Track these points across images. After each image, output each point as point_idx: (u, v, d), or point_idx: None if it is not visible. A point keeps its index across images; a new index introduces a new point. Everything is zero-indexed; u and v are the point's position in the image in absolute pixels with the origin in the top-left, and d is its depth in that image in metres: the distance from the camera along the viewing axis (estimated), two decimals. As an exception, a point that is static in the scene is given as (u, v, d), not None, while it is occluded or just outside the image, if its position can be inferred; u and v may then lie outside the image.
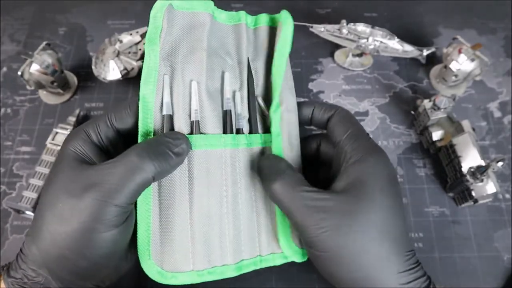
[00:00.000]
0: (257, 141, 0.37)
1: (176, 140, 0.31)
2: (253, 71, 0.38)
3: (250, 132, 0.37)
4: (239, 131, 0.36)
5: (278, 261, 0.36)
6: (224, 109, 0.36)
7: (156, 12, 0.34)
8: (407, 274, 0.30)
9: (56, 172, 0.30)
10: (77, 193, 0.28)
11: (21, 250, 0.30)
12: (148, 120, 0.33)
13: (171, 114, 0.34)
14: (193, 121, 0.34)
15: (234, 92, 0.37)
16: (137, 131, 0.33)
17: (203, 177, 0.33)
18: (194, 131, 0.33)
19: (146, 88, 0.33)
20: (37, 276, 0.29)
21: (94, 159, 0.32)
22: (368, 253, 0.29)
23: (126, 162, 0.29)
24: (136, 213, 0.32)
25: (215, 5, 0.37)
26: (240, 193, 0.35)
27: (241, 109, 0.37)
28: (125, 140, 0.34)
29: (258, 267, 0.36)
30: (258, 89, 0.39)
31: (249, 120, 0.37)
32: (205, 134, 0.34)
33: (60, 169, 0.30)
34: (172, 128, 0.34)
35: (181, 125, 0.33)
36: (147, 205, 0.32)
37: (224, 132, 0.35)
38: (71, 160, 0.30)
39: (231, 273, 0.34)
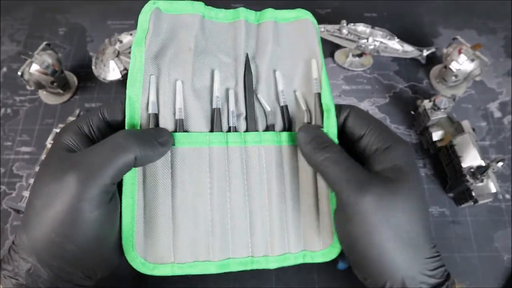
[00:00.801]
0: (254, 139, 0.36)
1: (160, 132, 0.33)
2: (254, 67, 0.38)
3: (247, 130, 0.37)
4: (236, 129, 0.36)
5: (272, 265, 0.35)
6: (213, 107, 0.36)
7: (144, 15, 0.35)
8: (433, 261, 0.30)
9: (45, 162, 0.31)
10: (61, 175, 0.28)
11: (13, 242, 0.30)
12: (135, 117, 0.34)
13: (157, 112, 0.34)
14: (177, 119, 0.34)
15: (227, 90, 0.37)
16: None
17: (186, 174, 0.34)
18: (178, 129, 0.34)
19: (132, 88, 0.34)
20: (26, 264, 0.29)
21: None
22: (402, 232, 0.30)
23: (111, 142, 0.30)
24: (121, 205, 0.33)
25: (215, 6, 0.37)
26: (229, 191, 0.35)
27: (234, 107, 0.36)
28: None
29: (248, 268, 0.35)
30: (261, 85, 0.38)
31: (246, 118, 0.37)
32: (189, 132, 0.35)
33: (48, 159, 0.31)
34: (157, 126, 0.35)
35: (166, 123, 0.34)
36: (132, 198, 0.33)
37: (212, 130, 0.35)
38: (60, 150, 0.31)
39: (214, 269, 0.34)
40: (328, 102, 0.36)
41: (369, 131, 0.35)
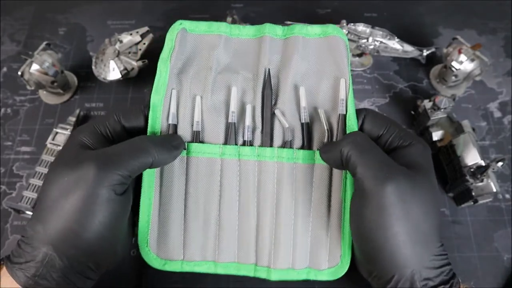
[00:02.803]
0: (267, 155, 0.37)
1: (174, 137, 0.36)
2: (276, 82, 0.38)
3: (262, 145, 0.37)
4: (251, 143, 0.37)
5: (274, 276, 0.36)
6: (229, 121, 0.37)
7: (171, 34, 0.38)
8: (440, 259, 0.31)
9: (62, 155, 0.33)
10: (80, 164, 0.30)
11: (22, 236, 0.31)
12: (156, 126, 0.37)
13: (176, 123, 0.37)
14: (194, 131, 0.37)
15: (245, 105, 0.38)
16: (145, 133, 0.37)
17: (199, 181, 0.37)
18: (194, 140, 0.37)
19: (156, 100, 0.37)
20: (40, 254, 0.29)
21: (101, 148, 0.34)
22: (417, 227, 0.30)
23: (131, 143, 0.32)
24: (139, 205, 0.36)
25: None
26: (238, 201, 0.37)
27: (250, 121, 0.37)
28: (129, 137, 0.36)
29: (251, 275, 0.37)
30: (281, 101, 0.38)
31: (262, 132, 0.38)
32: (204, 143, 0.37)
33: (66, 152, 0.33)
34: None
35: (184, 134, 0.37)
36: (149, 199, 0.36)
37: (226, 143, 0.37)
38: (77, 146, 0.33)
39: (219, 270, 0.37)
40: (354, 125, 0.36)
41: (387, 130, 0.35)
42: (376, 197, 0.30)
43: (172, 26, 0.38)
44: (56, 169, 0.31)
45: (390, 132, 0.35)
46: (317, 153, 0.36)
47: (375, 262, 0.31)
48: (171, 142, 0.35)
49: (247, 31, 0.39)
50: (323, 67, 0.38)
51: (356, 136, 0.33)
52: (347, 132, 0.36)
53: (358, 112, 0.36)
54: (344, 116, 0.36)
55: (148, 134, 0.36)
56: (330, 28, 0.38)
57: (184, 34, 0.38)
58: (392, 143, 0.35)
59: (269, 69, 0.38)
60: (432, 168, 0.34)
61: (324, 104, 0.38)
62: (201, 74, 0.38)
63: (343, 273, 0.36)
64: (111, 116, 0.36)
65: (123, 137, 0.35)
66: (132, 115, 0.36)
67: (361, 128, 0.36)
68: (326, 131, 0.36)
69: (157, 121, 0.37)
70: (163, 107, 0.37)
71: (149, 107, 0.37)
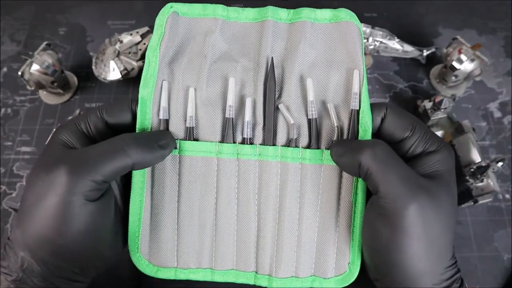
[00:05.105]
0: (270, 154, 0.33)
1: (161, 135, 0.32)
2: (280, 72, 0.34)
3: (264, 142, 0.34)
4: (252, 141, 0.34)
5: (275, 285, 0.34)
6: (226, 116, 0.34)
7: (160, 19, 0.34)
8: (451, 269, 0.30)
9: (40, 157, 0.31)
10: (52, 168, 0.28)
11: (8, 238, 0.30)
12: (146, 122, 0.33)
13: (167, 118, 0.34)
14: (188, 127, 0.34)
15: (245, 98, 0.34)
16: (133, 130, 0.34)
17: (192, 183, 0.34)
18: (187, 137, 0.34)
19: (144, 93, 0.33)
20: (20, 260, 0.29)
21: (81, 148, 0.32)
22: (434, 243, 0.29)
23: (109, 143, 0.30)
24: (129, 208, 0.33)
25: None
26: (236, 204, 0.34)
27: (250, 117, 0.34)
28: (114, 134, 0.33)
29: (250, 283, 0.34)
30: (286, 94, 0.34)
31: (264, 129, 0.34)
32: (198, 141, 0.34)
33: (44, 154, 0.31)
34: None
35: (176, 130, 0.34)
36: (140, 202, 0.33)
37: (223, 140, 0.34)
38: (56, 145, 0.31)
39: (216, 277, 0.34)
40: (368, 123, 0.32)
41: (412, 133, 0.31)
42: (397, 217, 0.28)
43: (161, 10, 0.34)
44: (34, 171, 0.30)
45: (415, 135, 0.31)
46: (326, 152, 0.33)
47: (386, 274, 0.30)
48: (157, 141, 0.31)
49: (246, 14, 0.35)
50: (333, 56, 0.34)
51: (376, 148, 0.29)
52: (360, 130, 0.32)
53: (378, 106, 0.32)
54: (357, 111, 0.33)
55: (137, 131, 0.33)
56: (343, 13, 0.34)
57: (175, 18, 0.34)
58: (416, 149, 0.31)
59: (272, 58, 0.34)
60: (454, 176, 0.31)
61: (334, 98, 0.34)
62: (195, 62, 0.34)
63: (351, 281, 0.33)
64: (94, 113, 0.33)
65: (106, 134, 0.33)
66: (117, 110, 0.33)
67: (380, 127, 0.33)
68: (336, 128, 0.33)
69: (146, 117, 0.33)
70: (153, 100, 0.33)
71: (137, 102, 0.33)
